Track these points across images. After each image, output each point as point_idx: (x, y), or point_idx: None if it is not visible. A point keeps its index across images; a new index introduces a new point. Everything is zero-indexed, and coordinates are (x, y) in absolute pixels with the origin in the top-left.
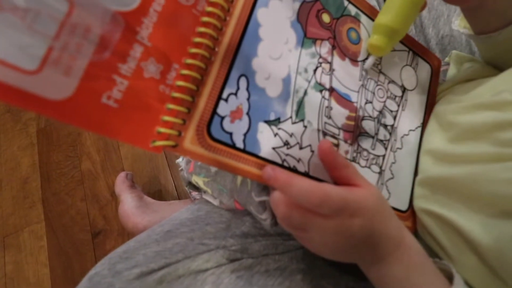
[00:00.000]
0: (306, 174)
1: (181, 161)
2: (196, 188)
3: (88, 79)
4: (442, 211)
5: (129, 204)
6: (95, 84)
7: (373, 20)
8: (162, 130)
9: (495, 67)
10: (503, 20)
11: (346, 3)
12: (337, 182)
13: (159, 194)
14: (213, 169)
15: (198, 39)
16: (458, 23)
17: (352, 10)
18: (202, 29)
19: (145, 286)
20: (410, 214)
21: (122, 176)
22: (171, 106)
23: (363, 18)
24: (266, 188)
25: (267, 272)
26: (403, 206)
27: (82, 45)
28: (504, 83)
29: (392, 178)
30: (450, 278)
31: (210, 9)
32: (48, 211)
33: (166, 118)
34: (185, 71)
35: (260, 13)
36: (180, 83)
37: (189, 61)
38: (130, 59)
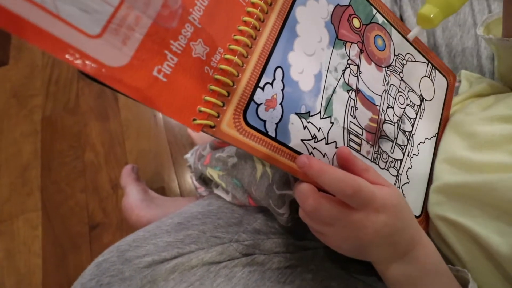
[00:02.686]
0: None
1: (189, 156)
2: (205, 183)
3: (143, 51)
4: (458, 218)
5: (134, 196)
6: (149, 56)
7: (397, 30)
8: (203, 109)
9: (507, 81)
10: None
11: (374, 11)
12: None
13: (161, 191)
14: (230, 162)
15: (242, 27)
16: (483, 30)
17: (380, 18)
18: (246, 18)
19: (156, 274)
20: (422, 220)
21: (128, 168)
22: (213, 87)
23: (389, 27)
24: (288, 182)
25: (279, 270)
26: (416, 211)
27: (141, 18)
28: None
29: (407, 182)
30: (463, 285)
31: (255, 0)
32: (46, 200)
33: (208, 98)
34: (228, 56)
35: (298, 11)
36: (223, 66)
37: (233, 46)
38: (181, 38)
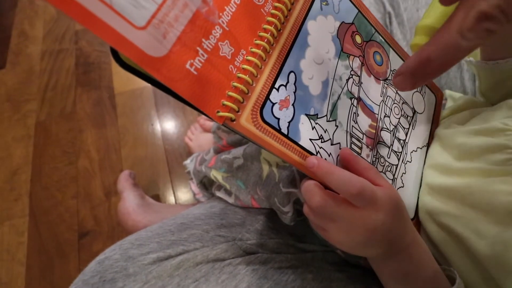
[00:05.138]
0: None
1: (189, 162)
2: (205, 188)
3: (179, 45)
4: (443, 219)
5: (131, 201)
6: (184, 50)
7: (393, 48)
8: (226, 103)
9: (488, 98)
10: None
11: (374, 31)
12: None
13: (156, 199)
14: (236, 164)
15: (262, 33)
16: None
17: (378, 37)
18: (266, 26)
19: (161, 270)
20: (415, 223)
21: (126, 173)
22: (236, 84)
23: (386, 46)
24: (293, 181)
25: (281, 269)
26: (410, 215)
27: (179, 16)
28: (493, 114)
29: (402, 187)
30: (451, 283)
31: (274, 11)
32: (34, 205)
33: (231, 93)
34: (250, 57)
35: (310, 24)
36: (245, 66)
37: (254, 50)
38: (211, 37)
